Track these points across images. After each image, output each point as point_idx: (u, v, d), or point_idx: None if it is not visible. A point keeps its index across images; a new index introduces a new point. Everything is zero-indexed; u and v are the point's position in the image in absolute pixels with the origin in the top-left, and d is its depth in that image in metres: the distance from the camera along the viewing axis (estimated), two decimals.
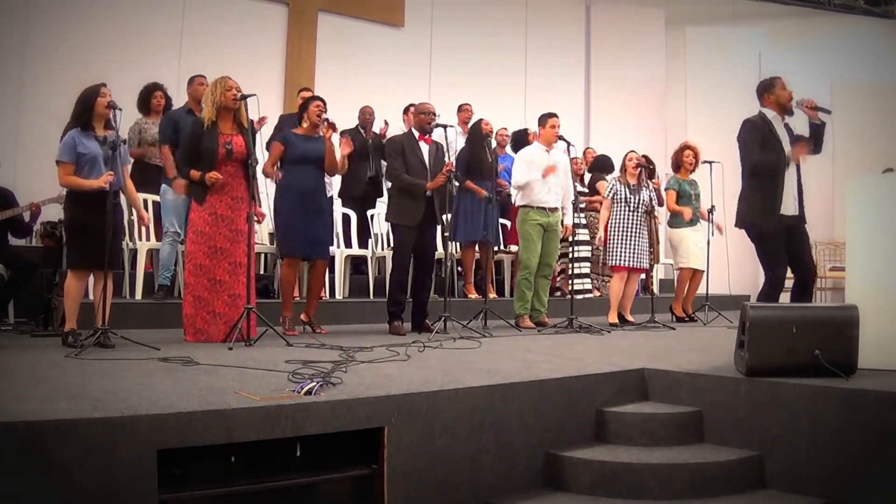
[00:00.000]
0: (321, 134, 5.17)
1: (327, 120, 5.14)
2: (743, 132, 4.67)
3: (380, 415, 2.76)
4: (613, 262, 6.30)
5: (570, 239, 6.93)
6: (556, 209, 6.07)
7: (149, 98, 6.17)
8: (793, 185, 4.64)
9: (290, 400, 2.63)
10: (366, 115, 7.23)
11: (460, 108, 7.65)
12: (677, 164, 6.91)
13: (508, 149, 7.57)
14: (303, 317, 5.24)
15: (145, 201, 5.82)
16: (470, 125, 7.09)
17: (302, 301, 5.49)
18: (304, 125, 5.20)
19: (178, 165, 5.39)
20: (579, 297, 6.76)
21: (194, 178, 4.57)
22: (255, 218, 4.75)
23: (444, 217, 5.44)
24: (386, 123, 7.17)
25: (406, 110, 7.43)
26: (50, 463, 2.14)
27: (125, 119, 4.33)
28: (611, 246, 6.30)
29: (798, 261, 4.67)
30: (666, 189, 6.88)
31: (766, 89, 4.73)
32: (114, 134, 4.27)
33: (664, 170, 7.28)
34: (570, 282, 6.82)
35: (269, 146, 6.25)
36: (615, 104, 11.01)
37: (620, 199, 6.30)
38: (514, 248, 7.17)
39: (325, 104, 5.22)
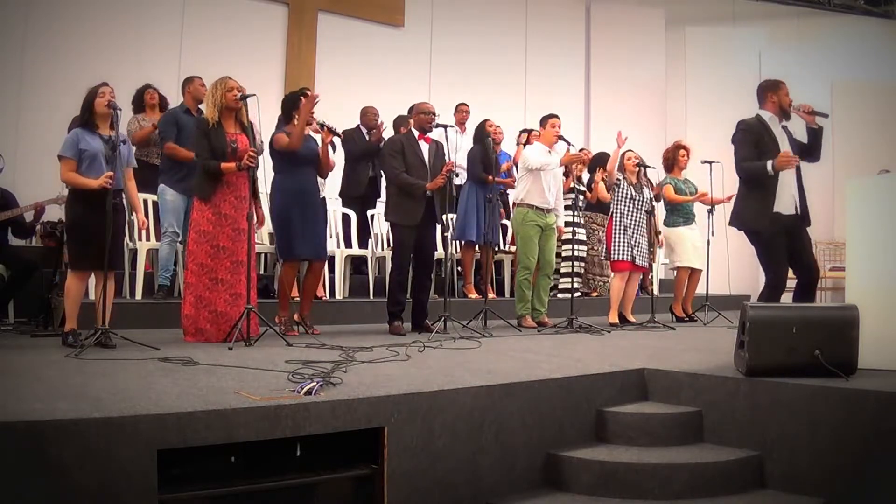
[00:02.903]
0: (313, 134, 5.14)
1: (325, 125, 5.06)
2: (737, 134, 4.68)
3: (380, 415, 2.76)
4: (617, 257, 6.27)
5: (571, 238, 6.93)
6: (551, 210, 6.12)
7: (141, 97, 6.28)
8: (792, 183, 4.61)
9: (290, 400, 2.63)
10: (370, 116, 7.22)
11: (457, 109, 7.65)
12: (670, 164, 6.91)
13: (504, 146, 7.57)
14: (296, 317, 5.16)
15: (145, 201, 5.83)
16: (476, 125, 7.09)
17: (295, 301, 5.47)
18: (296, 123, 5.03)
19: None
20: (575, 294, 6.75)
21: (230, 169, 4.53)
22: (255, 221, 4.73)
23: (444, 217, 5.44)
24: (382, 123, 7.16)
25: (411, 111, 7.40)
26: (50, 463, 2.14)
27: (124, 118, 4.33)
28: (615, 243, 6.28)
29: (800, 263, 4.64)
30: (663, 185, 6.88)
31: (770, 89, 4.69)
32: (115, 134, 4.27)
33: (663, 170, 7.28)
34: (570, 280, 6.83)
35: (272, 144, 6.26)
36: (615, 104, 10.99)
37: (627, 196, 6.29)
38: (513, 248, 7.18)
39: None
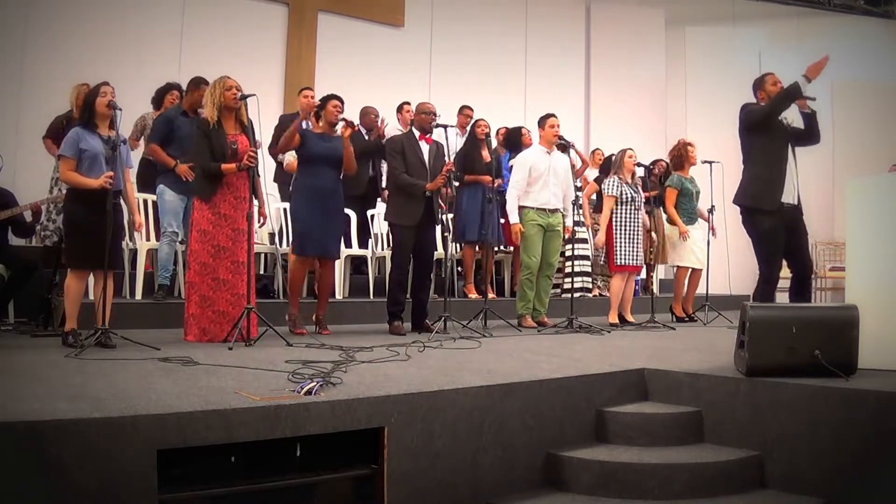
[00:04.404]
0: (338, 133, 5.15)
1: (345, 119, 5.12)
2: (744, 108, 4.68)
3: (380, 415, 2.76)
4: (620, 262, 6.24)
5: (571, 236, 6.93)
6: (556, 210, 6.07)
7: (163, 95, 6.17)
8: (792, 169, 4.65)
9: (290, 400, 2.63)
10: (370, 117, 7.22)
11: (461, 111, 7.66)
12: (679, 162, 6.87)
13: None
14: (314, 318, 5.21)
15: (145, 201, 5.83)
16: (469, 125, 7.14)
17: (306, 301, 5.47)
18: (321, 124, 5.17)
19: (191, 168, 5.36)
20: (577, 294, 6.75)
21: (230, 170, 4.54)
22: (259, 221, 4.77)
23: (443, 217, 5.44)
24: (383, 121, 7.17)
25: (399, 108, 7.44)
26: (50, 463, 2.14)
27: (125, 119, 4.33)
28: (617, 246, 6.26)
29: (796, 257, 4.67)
30: (666, 186, 6.85)
31: (757, 86, 4.81)
32: (116, 134, 4.27)
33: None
34: (570, 280, 6.83)
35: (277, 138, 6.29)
36: (615, 104, 11.01)
37: (625, 199, 6.26)
38: (513, 248, 7.18)
39: (342, 103, 5.21)
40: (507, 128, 7.70)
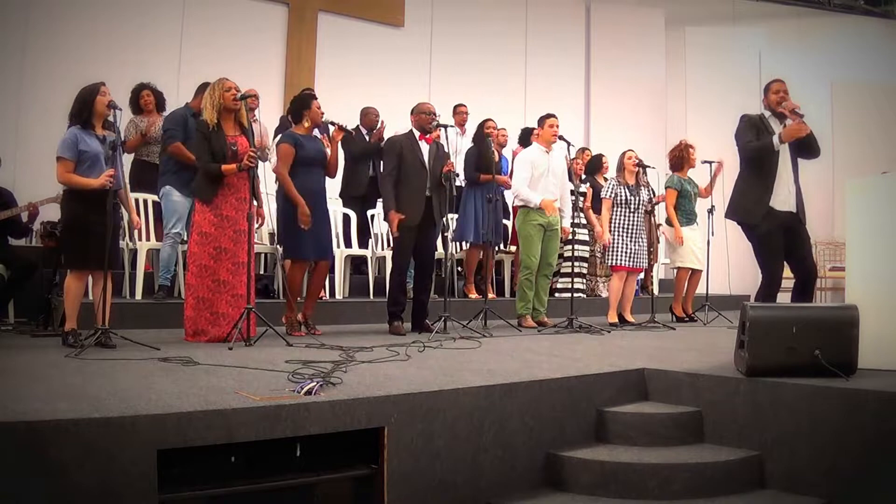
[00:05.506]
0: (327, 135, 5.15)
1: (335, 123, 5.11)
2: (739, 125, 4.71)
3: (380, 415, 2.76)
4: (613, 262, 6.30)
5: (571, 238, 6.93)
6: (554, 210, 6.08)
7: (137, 99, 6.20)
8: (789, 180, 4.64)
9: (290, 400, 2.63)
10: (371, 117, 7.21)
11: (455, 110, 7.64)
12: (679, 163, 6.88)
13: (507, 149, 7.58)
14: (300, 317, 5.18)
15: (145, 202, 5.83)
16: (477, 125, 7.12)
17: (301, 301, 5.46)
18: (306, 124, 5.13)
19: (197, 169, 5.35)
20: (576, 294, 6.75)
21: (230, 171, 4.52)
22: (258, 221, 4.76)
23: (443, 217, 5.44)
24: (382, 123, 7.16)
25: (413, 111, 7.43)
26: (50, 463, 2.14)
27: (123, 119, 4.32)
28: (611, 246, 6.29)
29: (798, 262, 4.66)
30: (666, 187, 6.86)
31: (765, 91, 4.82)
32: (113, 133, 4.27)
33: (664, 170, 7.28)
34: (570, 280, 6.83)
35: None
36: (615, 104, 11.01)
37: (621, 200, 6.28)
38: (514, 248, 7.18)
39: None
40: (504, 128, 7.68)
